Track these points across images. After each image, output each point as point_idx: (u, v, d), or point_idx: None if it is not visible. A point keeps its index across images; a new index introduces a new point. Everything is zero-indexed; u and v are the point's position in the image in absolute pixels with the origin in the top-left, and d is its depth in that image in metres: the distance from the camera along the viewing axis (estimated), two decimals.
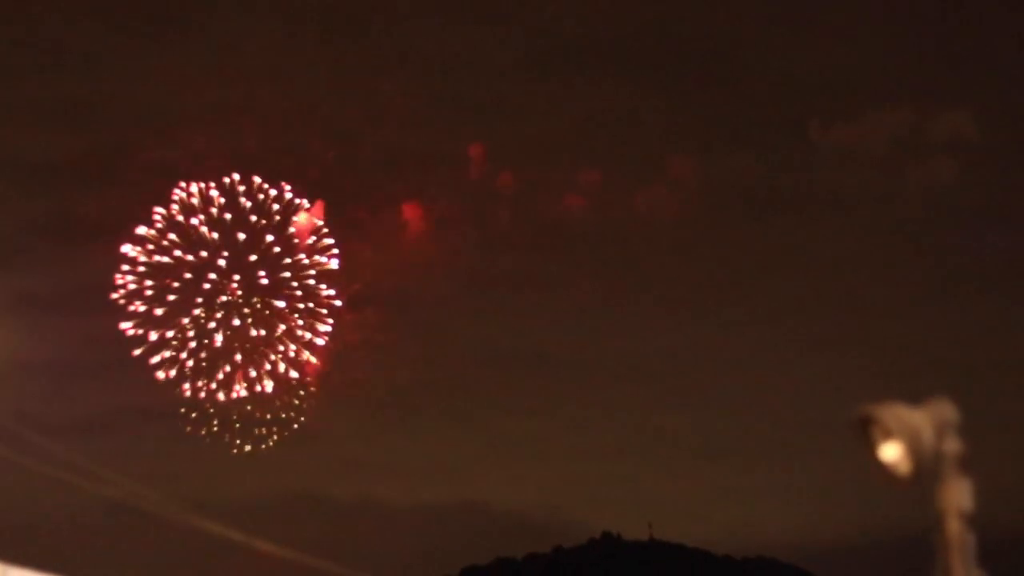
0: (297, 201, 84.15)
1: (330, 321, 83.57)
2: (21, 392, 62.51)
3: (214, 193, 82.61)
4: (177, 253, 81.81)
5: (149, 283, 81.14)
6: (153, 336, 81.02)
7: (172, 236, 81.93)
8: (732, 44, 78.61)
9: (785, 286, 79.07)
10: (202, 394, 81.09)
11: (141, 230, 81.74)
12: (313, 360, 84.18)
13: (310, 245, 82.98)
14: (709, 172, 74.27)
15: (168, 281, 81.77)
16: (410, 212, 72.25)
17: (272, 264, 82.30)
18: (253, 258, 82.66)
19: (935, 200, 74.94)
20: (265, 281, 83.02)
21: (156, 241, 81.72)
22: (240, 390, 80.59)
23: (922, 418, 7.53)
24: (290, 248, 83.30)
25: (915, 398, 7.67)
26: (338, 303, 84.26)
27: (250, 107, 62.79)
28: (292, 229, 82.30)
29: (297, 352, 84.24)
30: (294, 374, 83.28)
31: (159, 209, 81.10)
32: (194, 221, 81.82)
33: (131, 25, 70.07)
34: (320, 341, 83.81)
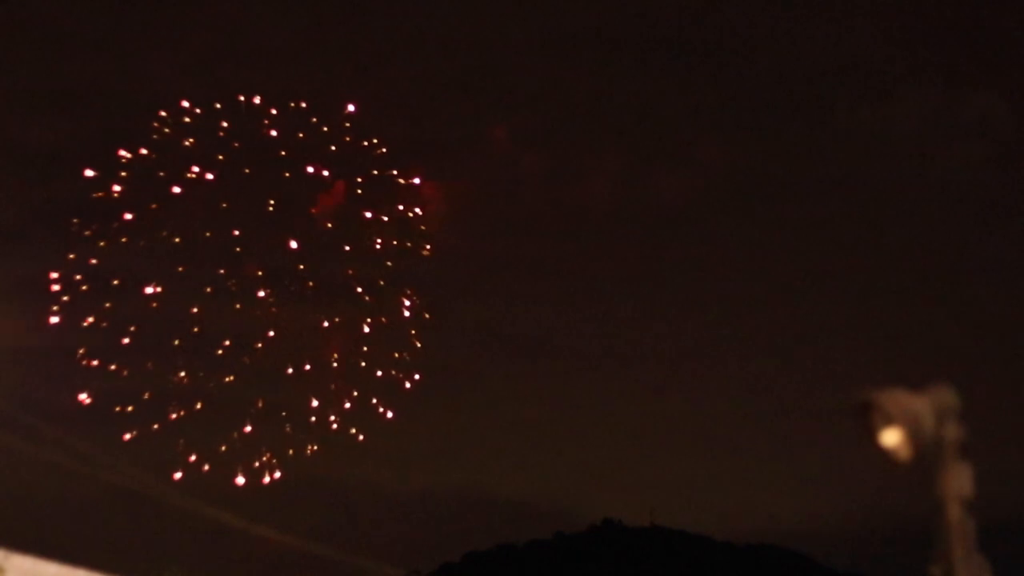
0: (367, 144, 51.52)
1: (418, 345, 52.47)
2: (25, 378, 62.34)
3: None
4: (164, 234, 50.41)
5: (116, 282, 50.38)
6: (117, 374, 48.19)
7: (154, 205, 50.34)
8: (758, 26, 78.30)
9: (790, 271, 78.98)
10: (205, 466, 51.67)
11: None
12: (389, 414, 53.01)
13: (385, 222, 51.45)
14: (734, 156, 74.06)
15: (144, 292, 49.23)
16: (429, 192, 53.88)
17: (314, 244, 50.83)
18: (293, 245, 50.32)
19: (963, 183, 74.77)
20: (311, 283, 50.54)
21: (115, 207, 49.46)
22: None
23: (923, 404, 7.51)
24: (360, 223, 50.77)
25: (916, 384, 7.64)
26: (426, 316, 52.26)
27: (263, 92, 54.62)
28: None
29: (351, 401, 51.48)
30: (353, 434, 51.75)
31: (123, 153, 50.20)
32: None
33: (132, 9, 69.73)
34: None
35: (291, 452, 52.88)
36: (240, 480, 52.11)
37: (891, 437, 7.50)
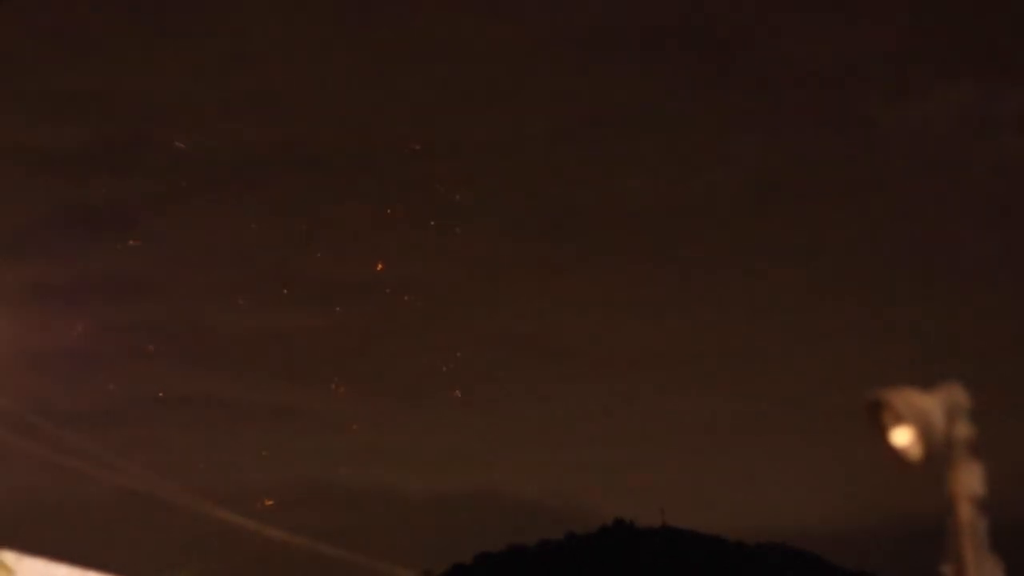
0: None
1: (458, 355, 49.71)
2: (36, 381, 62.48)
3: None
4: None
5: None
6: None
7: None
8: (794, 22, 78.64)
9: (807, 270, 79.17)
10: None
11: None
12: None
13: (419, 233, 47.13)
14: (767, 154, 74.32)
15: None
16: (431, 198, 49.47)
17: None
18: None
19: (995, 179, 74.97)
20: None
21: None
22: None
23: (934, 402, 7.50)
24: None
25: (927, 382, 7.64)
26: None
27: (268, 97, 52.94)
28: None
29: None
30: None
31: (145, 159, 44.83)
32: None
33: (143, 15, 69.89)
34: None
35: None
36: (269, 503, 49.26)
37: (902, 436, 7.49)
